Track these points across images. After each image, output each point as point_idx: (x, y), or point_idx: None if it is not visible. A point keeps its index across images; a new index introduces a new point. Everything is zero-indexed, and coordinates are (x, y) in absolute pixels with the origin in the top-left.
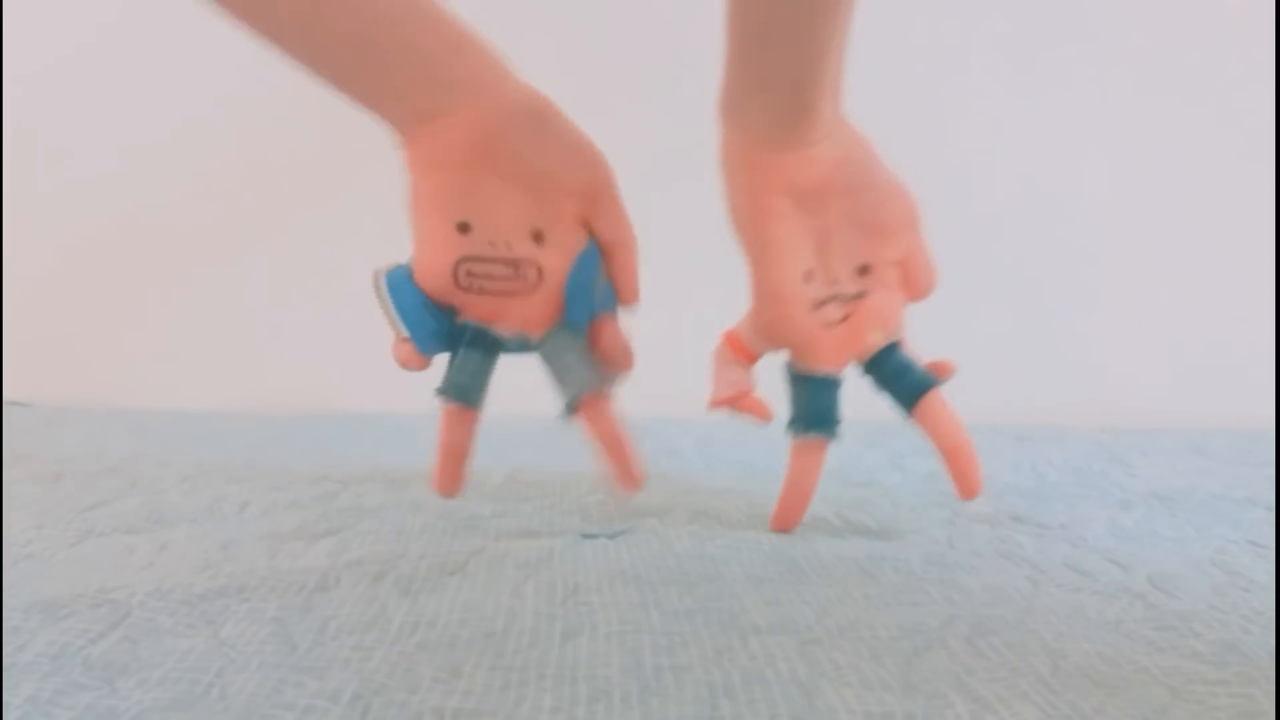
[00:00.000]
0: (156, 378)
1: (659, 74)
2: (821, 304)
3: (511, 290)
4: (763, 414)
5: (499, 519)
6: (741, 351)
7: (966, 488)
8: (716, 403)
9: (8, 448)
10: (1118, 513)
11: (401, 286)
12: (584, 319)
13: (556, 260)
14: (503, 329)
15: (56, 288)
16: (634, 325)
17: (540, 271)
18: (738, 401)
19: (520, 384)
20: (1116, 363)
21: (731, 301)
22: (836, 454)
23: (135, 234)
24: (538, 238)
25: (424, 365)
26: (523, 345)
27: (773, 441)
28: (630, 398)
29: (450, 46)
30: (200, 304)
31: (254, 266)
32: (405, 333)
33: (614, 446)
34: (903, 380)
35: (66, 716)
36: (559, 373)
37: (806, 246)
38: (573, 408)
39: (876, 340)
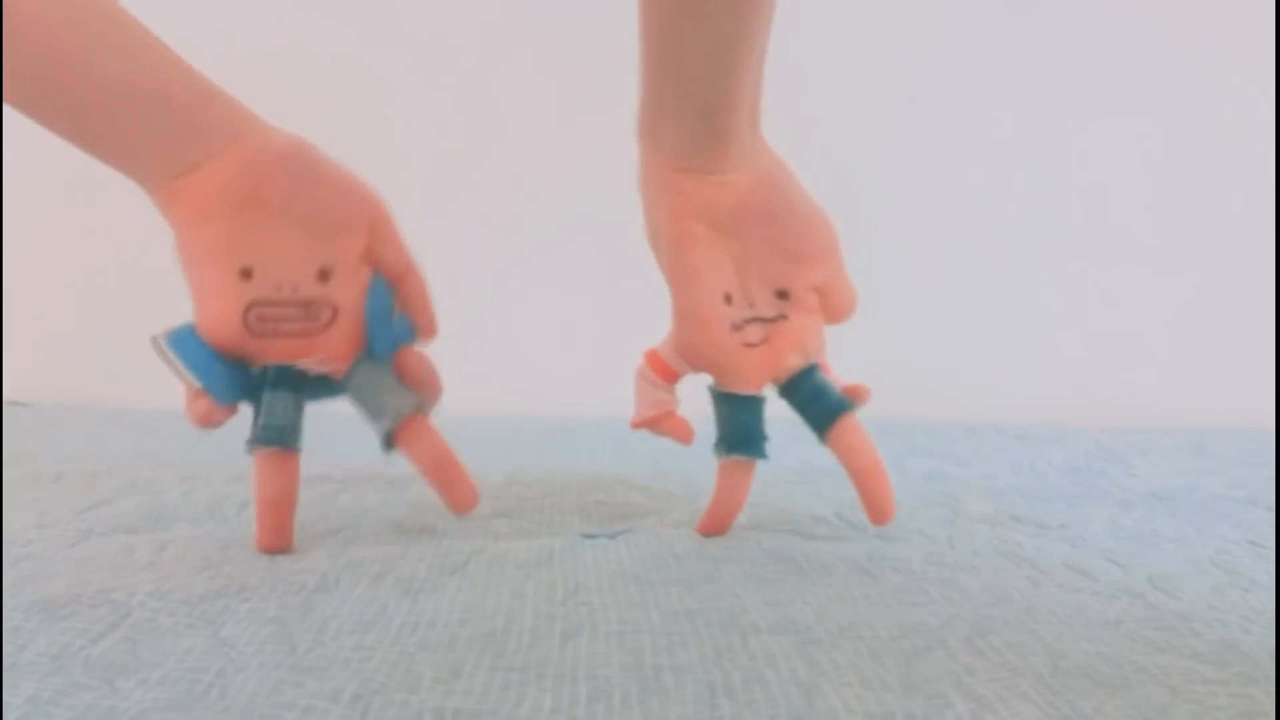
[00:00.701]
0: (156, 378)
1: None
2: (741, 326)
3: (307, 331)
4: (684, 434)
5: (499, 519)
6: (663, 371)
7: (877, 512)
8: (638, 423)
9: (8, 448)
10: (1118, 513)
11: (186, 342)
12: (388, 349)
13: (348, 295)
14: (306, 365)
15: (56, 287)
16: (632, 326)
17: (334, 309)
18: (660, 422)
19: (520, 384)
20: (1116, 363)
21: None
22: None
23: (135, 233)
24: (324, 276)
25: (225, 417)
26: (328, 384)
27: (771, 441)
28: (628, 399)
29: (199, 97)
30: None
31: None
32: (198, 384)
33: (440, 467)
34: (818, 403)
35: (66, 716)
36: (370, 404)
37: (725, 269)
38: (390, 436)
39: (794, 362)
